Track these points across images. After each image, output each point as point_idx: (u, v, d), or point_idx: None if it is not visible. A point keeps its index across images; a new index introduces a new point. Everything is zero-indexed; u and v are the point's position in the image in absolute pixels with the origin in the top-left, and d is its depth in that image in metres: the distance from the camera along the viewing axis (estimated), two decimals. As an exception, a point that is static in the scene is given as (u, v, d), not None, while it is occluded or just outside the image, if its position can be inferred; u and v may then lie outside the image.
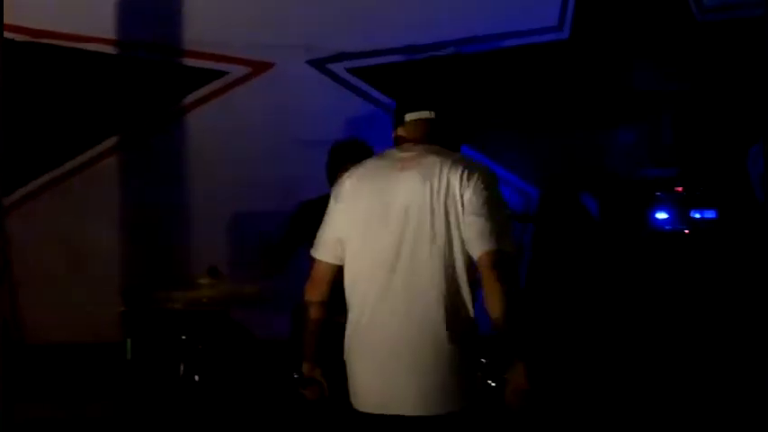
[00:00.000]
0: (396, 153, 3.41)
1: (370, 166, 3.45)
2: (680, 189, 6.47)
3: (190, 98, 6.18)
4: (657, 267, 6.35)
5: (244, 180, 6.14)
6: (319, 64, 6.28)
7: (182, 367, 4.72)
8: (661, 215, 6.48)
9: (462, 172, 3.26)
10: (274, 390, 4.79)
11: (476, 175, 3.26)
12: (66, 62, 6.00)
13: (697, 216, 6.47)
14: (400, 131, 3.47)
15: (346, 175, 3.47)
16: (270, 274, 5.02)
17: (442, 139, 3.41)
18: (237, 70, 6.19)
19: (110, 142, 6.10)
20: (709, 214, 6.46)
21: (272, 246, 5.16)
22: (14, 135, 5.68)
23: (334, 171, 5.11)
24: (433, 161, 3.29)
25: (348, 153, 5.12)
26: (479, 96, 6.47)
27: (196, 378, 4.70)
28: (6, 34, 5.58)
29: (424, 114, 3.42)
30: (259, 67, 6.21)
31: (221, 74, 6.19)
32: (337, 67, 6.31)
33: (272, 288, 4.92)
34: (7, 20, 5.20)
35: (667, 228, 6.46)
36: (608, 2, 6.60)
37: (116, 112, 6.08)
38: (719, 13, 6.70)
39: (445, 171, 3.26)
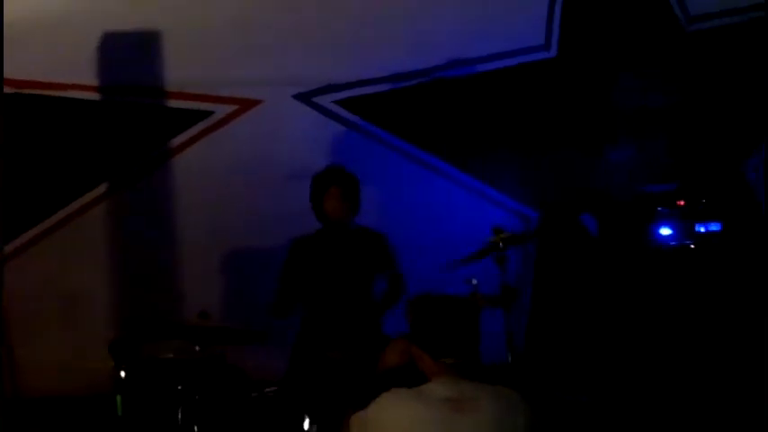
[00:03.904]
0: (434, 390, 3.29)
1: (403, 407, 3.26)
2: (682, 203, 6.34)
3: (177, 140, 6.12)
4: (664, 283, 6.23)
5: (235, 219, 6.09)
6: (306, 98, 6.22)
7: (179, 417, 4.61)
8: (665, 231, 6.35)
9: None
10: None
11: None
12: (51, 112, 5.95)
13: (701, 230, 6.33)
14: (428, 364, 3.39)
15: (373, 414, 3.27)
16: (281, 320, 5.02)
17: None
18: (224, 109, 6.14)
19: (99, 190, 6.05)
20: (714, 227, 6.32)
21: (275, 303, 5.10)
22: (5, 188, 5.69)
23: (318, 196, 5.08)
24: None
25: (329, 178, 5.09)
26: (470, 120, 6.42)
27: (195, 429, 4.60)
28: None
29: (450, 360, 3.35)
30: (246, 105, 6.16)
31: (208, 113, 6.14)
32: (323, 100, 6.26)
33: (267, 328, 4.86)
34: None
35: (672, 243, 6.33)
36: (594, 18, 6.51)
37: (104, 158, 6.03)
38: (706, 21, 6.62)
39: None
